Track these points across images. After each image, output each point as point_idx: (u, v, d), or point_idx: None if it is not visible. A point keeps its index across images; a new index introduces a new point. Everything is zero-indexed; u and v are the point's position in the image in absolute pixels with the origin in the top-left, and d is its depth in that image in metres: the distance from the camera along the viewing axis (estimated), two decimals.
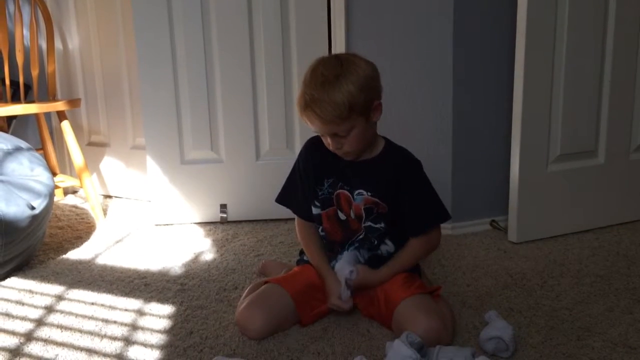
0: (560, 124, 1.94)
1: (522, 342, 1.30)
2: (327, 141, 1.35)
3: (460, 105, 2.01)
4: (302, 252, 1.57)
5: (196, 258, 1.94)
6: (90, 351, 1.34)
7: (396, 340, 1.15)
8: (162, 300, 1.60)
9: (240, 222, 2.30)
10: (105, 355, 1.32)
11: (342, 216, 1.44)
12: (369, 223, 1.41)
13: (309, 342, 1.34)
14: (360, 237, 1.43)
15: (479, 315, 1.43)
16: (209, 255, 1.96)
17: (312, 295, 1.44)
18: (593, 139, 2.01)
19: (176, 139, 2.24)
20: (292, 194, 1.52)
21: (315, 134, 1.41)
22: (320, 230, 1.49)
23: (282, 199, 1.55)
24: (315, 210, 1.47)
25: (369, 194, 1.39)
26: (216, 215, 2.30)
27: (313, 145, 1.47)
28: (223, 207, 2.29)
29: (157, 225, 2.30)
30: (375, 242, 1.43)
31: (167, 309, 1.55)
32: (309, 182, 1.46)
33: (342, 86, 1.26)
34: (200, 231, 2.23)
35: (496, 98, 2.04)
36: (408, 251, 1.43)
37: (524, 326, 1.37)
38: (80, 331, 1.44)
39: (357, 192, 1.40)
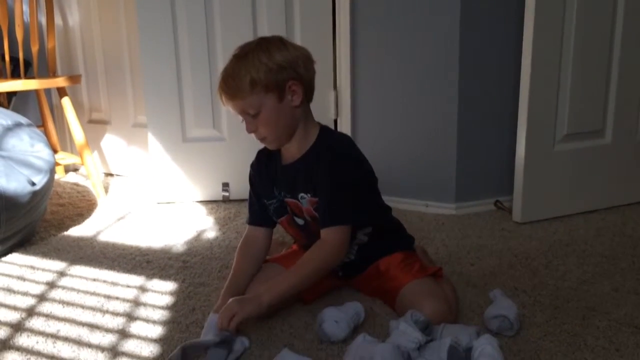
0: (568, 103, 1.91)
1: (526, 321, 1.28)
2: (245, 126, 1.29)
3: (466, 86, 1.98)
4: None
5: (198, 236, 1.92)
6: (92, 326, 1.33)
7: (401, 322, 1.14)
8: (164, 277, 1.60)
9: (242, 200, 2.28)
10: (107, 330, 1.32)
11: (299, 221, 1.38)
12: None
13: (312, 319, 1.33)
14: None
15: (483, 294, 1.42)
16: (211, 233, 1.94)
17: None
18: (600, 119, 1.98)
19: (178, 116, 2.21)
20: (250, 207, 1.46)
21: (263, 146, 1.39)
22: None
23: (251, 220, 1.46)
24: (274, 219, 1.42)
25: (309, 195, 1.31)
26: (218, 193, 2.28)
27: (260, 155, 1.44)
28: (225, 186, 2.28)
29: (159, 203, 2.29)
30: None
31: (170, 285, 1.54)
32: (261, 192, 1.41)
33: (247, 61, 1.23)
34: (203, 209, 2.21)
35: (503, 79, 2.01)
36: (297, 265, 1.28)
37: (528, 305, 1.36)
38: (82, 307, 1.43)
39: (300, 196, 1.33)
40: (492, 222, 1.96)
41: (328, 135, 1.37)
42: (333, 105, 2.19)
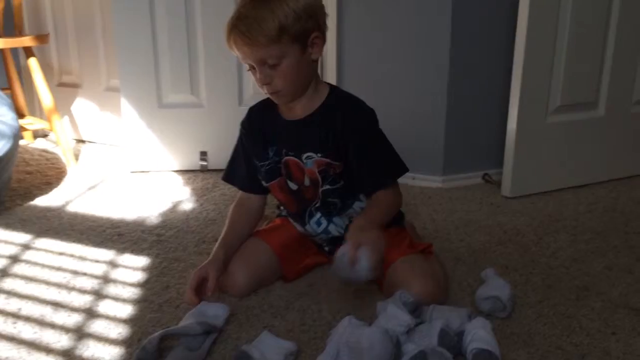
0: (562, 74, 1.83)
1: (518, 301, 1.22)
2: (256, 76, 1.18)
3: (458, 54, 1.89)
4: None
5: (174, 207, 1.83)
6: (56, 305, 1.24)
7: (390, 304, 1.07)
8: (137, 251, 1.50)
9: (221, 170, 2.15)
10: (72, 309, 1.23)
11: (292, 186, 1.30)
12: (327, 186, 1.26)
13: (294, 298, 1.26)
14: (317, 204, 1.29)
15: (473, 272, 1.36)
16: (187, 205, 1.85)
17: (296, 249, 1.35)
18: (594, 90, 1.91)
19: (153, 80, 2.09)
20: (236, 169, 1.38)
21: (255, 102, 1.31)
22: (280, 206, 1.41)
23: (227, 176, 1.40)
24: (264, 183, 1.34)
25: (319, 155, 1.23)
26: (196, 163, 2.18)
27: (253, 112, 1.34)
28: (203, 155, 2.17)
29: (132, 172, 2.18)
30: (339, 204, 1.29)
31: (142, 261, 1.45)
32: (253, 152, 1.32)
33: (274, 3, 1.11)
34: (179, 179, 2.11)
35: (495, 49, 1.93)
36: (377, 204, 1.24)
37: (520, 284, 1.30)
38: (47, 283, 1.34)
39: (305, 156, 1.25)
40: (481, 196, 1.89)
41: (341, 92, 1.29)
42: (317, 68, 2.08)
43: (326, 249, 1.35)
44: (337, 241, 1.29)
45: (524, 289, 1.29)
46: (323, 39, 1.19)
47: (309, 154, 1.25)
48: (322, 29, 1.18)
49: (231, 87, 2.09)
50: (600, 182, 1.98)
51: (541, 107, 1.83)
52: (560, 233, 1.59)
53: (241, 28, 1.11)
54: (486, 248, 1.50)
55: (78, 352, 1.08)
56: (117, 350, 1.08)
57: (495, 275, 1.23)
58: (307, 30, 1.14)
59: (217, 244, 1.29)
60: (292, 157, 1.27)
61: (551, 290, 1.28)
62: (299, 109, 1.25)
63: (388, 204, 1.25)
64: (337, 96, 1.26)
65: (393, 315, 1.06)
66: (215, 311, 1.14)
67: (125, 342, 1.11)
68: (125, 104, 2.11)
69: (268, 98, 1.26)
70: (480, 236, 1.58)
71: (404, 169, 1.28)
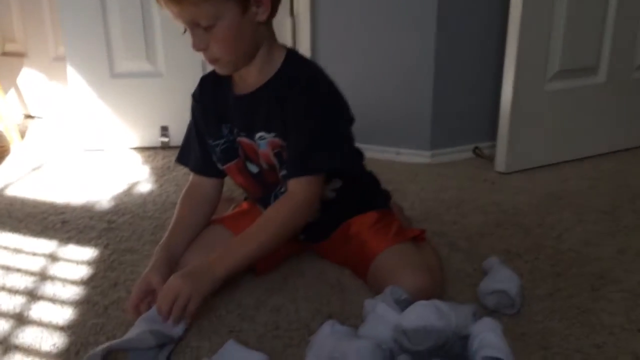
0: (562, 37, 1.66)
1: (526, 293, 1.05)
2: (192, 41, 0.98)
3: (446, 16, 1.69)
4: None
5: (129, 190, 1.61)
6: None
7: (379, 302, 0.88)
8: (83, 241, 1.30)
9: None
10: None
11: (252, 168, 1.11)
12: (285, 172, 1.05)
13: (265, 295, 1.07)
14: (282, 190, 1.09)
15: (471, 260, 1.19)
16: (145, 187, 1.63)
17: None
18: (595, 55, 1.74)
19: (103, 46, 1.85)
20: (190, 148, 1.17)
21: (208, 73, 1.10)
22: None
23: (180, 156, 1.21)
24: (219, 166, 1.14)
25: (272, 135, 1.04)
26: (156, 139, 1.96)
27: (205, 82, 1.14)
28: (164, 130, 1.95)
29: (86, 150, 1.95)
30: None
31: (88, 252, 1.25)
32: (205, 128, 1.13)
33: None
34: (138, 158, 1.89)
35: (487, 10, 1.74)
36: (258, 222, 1.02)
37: (525, 273, 1.14)
38: None
39: (258, 135, 1.05)
40: (473, 172, 1.72)
41: (297, 60, 1.07)
42: (289, 34, 1.86)
43: (301, 237, 1.15)
44: (312, 227, 1.10)
45: (531, 278, 1.12)
46: None
47: (261, 133, 1.05)
48: None
49: (193, 53, 1.83)
50: (603, 154, 1.81)
51: (539, 72, 1.66)
52: (564, 212, 1.43)
53: None
54: (483, 231, 1.33)
55: None
56: None
57: (500, 265, 1.06)
58: None
59: (159, 245, 1.07)
60: (244, 138, 1.08)
61: (562, 280, 1.12)
62: (253, 78, 1.05)
63: (282, 217, 1.01)
64: (294, 64, 1.05)
65: (383, 316, 0.88)
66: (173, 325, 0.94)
67: (60, 356, 0.91)
68: (72, 73, 1.87)
69: None
70: (475, 217, 1.40)
71: (339, 163, 1.04)
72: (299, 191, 1.01)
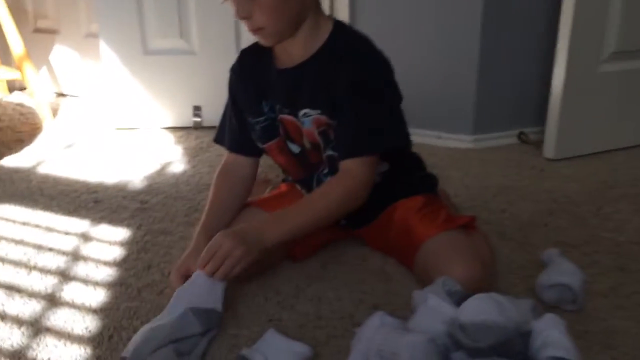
0: (619, 15, 1.55)
1: (586, 288, 0.97)
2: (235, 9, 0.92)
3: None
4: None
5: (162, 170, 1.57)
6: (11, 289, 1.00)
7: (430, 294, 0.82)
8: (115, 221, 1.26)
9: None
10: (30, 295, 0.99)
11: (294, 148, 1.05)
12: (330, 152, 1.01)
13: (305, 283, 1.01)
14: (325, 171, 1.04)
15: (523, 251, 1.11)
16: (178, 167, 1.59)
17: None
18: None
19: (136, 23, 1.82)
20: (228, 126, 1.11)
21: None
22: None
23: (218, 136, 1.15)
24: (259, 144, 1.08)
25: (318, 112, 0.98)
26: (189, 119, 1.91)
27: (245, 55, 1.08)
28: (197, 110, 1.90)
29: (118, 129, 1.91)
30: None
31: (121, 233, 1.21)
32: (244, 105, 1.07)
33: None
34: (170, 137, 1.85)
35: None
36: (314, 195, 1.00)
37: (585, 266, 1.04)
38: (3, 260, 1.10)
39: (302, 113, 0.99)
40: (519, 158, 1.63)
41: (346, 33, 1.00)
42: (326, 4, 1.78)
43: (343, 222, 1.09)
44: (354, 212, 1.03)
45: (590, 272, 1.03)
46: None
47: (305, 110, 0.99)
48: None
49: (227, 31, 1.80)
50: None
51: (593, 53, 1.56)
52: (620, 202, 1.34)
53: None
54: (535, 220, 1.25)
55: (31, 353, 0.84)
56: (80, 351, 0.84)
57: (561, 257, 0.98)
58: None
59: (197, 227, 1.03)
60: (287, 116, 1.01)
61: (624, 274, 1.04)
62: (298, 50, 0.98)
63: (337, 194, 0.95)
64: (343, 37, 0.98)
65: (436, 308, 0.82)
66: (211, 290, 0.87)
67: (92, 341, 0.87)
68: (105, 49, 1.83)
69: None
70: (525, 205, 1.32)
71: (395, 141, 0.99)
72: (355, 172, 0.95)
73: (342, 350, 0.83)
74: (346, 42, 0.97)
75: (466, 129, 1.73)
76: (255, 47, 1.06)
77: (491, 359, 0.75)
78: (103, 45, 1.83)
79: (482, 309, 0.75)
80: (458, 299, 0.85)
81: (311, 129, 0.99)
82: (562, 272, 0.93)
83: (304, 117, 0.99)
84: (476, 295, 0.79)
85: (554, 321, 0.79)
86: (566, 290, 0.91)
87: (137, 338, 0.80)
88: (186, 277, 0.91)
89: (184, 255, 0.96)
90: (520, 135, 1.76)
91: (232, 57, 1.10)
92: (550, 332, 0.78)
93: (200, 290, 0.86)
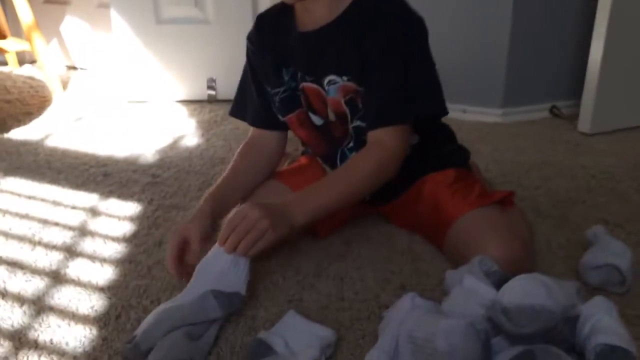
0: None
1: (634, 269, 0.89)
2: None
3: None
4: None
5: (175, 143, 1.50)
6: (14, 265, 0.94)
7: (466, 274, 0.74)
8: (125, 196, 1.19)
9: (232, 101, 1.84)
10: (33, 271, 0.93)
11: (317, 121, 0.97)
12: (358, 122, 0.92)
13: (327, 262, 0.94)
14: (350, 144, 0.96)
15: (561, 228, 1.03)
16: (191, 140, 1.52)
17: None
18: None
19: None
20: (246, 99, 1.04)
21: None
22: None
23: (235, 109, 1.07)
24: (280, 117, 1.00)
25: (345, 78, 0.90)
26: (203, 91, 1.84)
27: (263, 21, 0.99)
28: (211, 82, 1.83)
29: (130, 102, 1.84)
30: None
31: (131, 207, 1.14)
32: (263, 75, 0.99)
33: None
34: (183, 110, 1.78)
35: None
36: (342, 169, 0.92)
37: (631, 246, 0.96)
38: (6, 235, 1.04)
39: (327, 80, 0.91)
40: (551, 133, 1.54)
41: None
42: None
43: (366, 197, 1.01)
44: (380, 188, 0.95)
45: (637, 252, 0.95)
46: None
47: (331, 77, 0.90)
48: None
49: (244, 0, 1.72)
50: None
51: (633, 25, 1.45)
52: None
53: None
54: (573, 197, 1.16)
55: (32, 333, 0.78)
56: (85, 332, 0.78)
57: (607, 236, 0.90)
58: None
59: (206, 192, 0.95)
60: (310, 84, 0.93)
61: None
62: (319, 14, 0.90)
63: (368, 168, 0.87)
64: None
65: (474, 290, 0.74)
66: (235, 270, 0.78)
67: (99, 321, 0.80)
68: (116, 18, 1.76)
69: (281, 2, 0.92)
70: (561, 182, 1.24)
71: (430, 107, 0.91)
72: (386, 143, 0.87)
73: (368, 335, 0.76)
74: (376, 0, 0.89)
75: (495, 102, 1.64)
76: (273, 10, 0.98)
77: (535, 346, 0.67)
78: (114, 15, 1.76)
79: (528, 291, 0.67)
80: (496, 280, 0.78)
81: (337, 97, 0.91)
82: (610, 252, 0.84)
83: (329, 84, 0.91)
84: (519, 276, 0.71)
85: (605, 305, 0.71)
86: (614, 271, 0.83)
87: (150, 319, 0.74)
88: (182, 249, 0.85)
89: (184, 223, 0.89)
90: (553, 109, 1.67)
91: (248, 27, 1.02)
92: (600, 316, 0.70)
93: (223, 270, 0.77)
